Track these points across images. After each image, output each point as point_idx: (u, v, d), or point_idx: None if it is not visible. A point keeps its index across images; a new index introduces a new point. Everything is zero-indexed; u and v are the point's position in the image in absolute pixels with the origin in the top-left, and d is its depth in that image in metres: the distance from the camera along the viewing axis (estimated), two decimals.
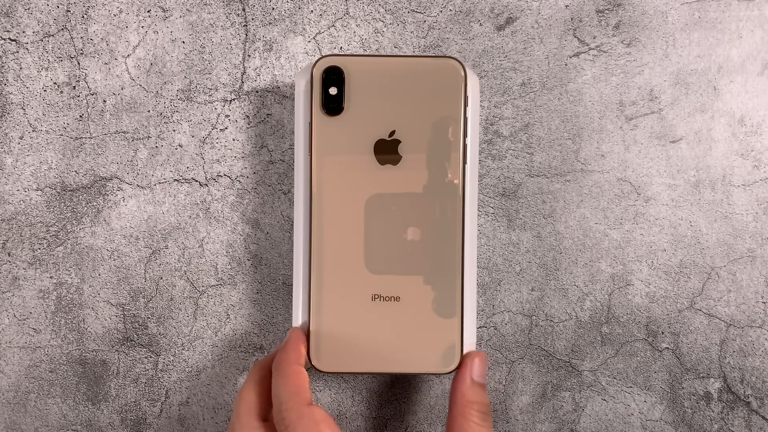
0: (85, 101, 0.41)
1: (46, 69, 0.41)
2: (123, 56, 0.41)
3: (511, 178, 0.42)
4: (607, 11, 0.41)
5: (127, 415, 0.42)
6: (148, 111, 0.41)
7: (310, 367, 0.40)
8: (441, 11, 0.41)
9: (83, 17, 0.41)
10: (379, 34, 0.41)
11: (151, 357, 0.42)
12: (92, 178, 0.42)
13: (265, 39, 0.41)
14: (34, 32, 0.41)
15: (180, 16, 0.41)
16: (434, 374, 0.37)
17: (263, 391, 0.35)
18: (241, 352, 0.42)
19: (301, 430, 0.32)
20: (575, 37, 0.41)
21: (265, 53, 0.41)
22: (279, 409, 0.33)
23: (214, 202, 0.42)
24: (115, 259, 0.42)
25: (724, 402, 0.42)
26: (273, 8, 0.41)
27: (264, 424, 0.34)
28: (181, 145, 0.41)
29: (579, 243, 0.42)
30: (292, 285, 0.42)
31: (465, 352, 0.36)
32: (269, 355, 0.37)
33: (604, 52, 0.41)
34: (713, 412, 0.42)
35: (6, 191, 0.42)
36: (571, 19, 0.41)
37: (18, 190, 0.42)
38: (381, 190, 0.36)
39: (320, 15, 0.41)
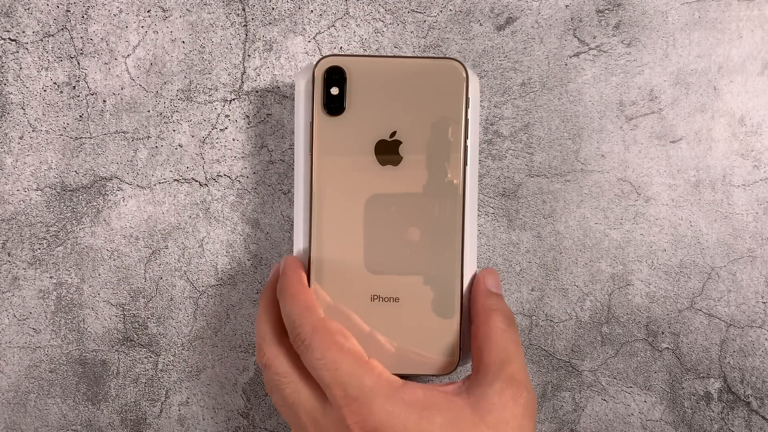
0: (85, 101, 0.41)
1: (46, 69, 0.41)
2: (123, 56, 0.41)
3: (511, 178, 0.42)
4: (607, 11, 0.41)
5: (127, 415, 0.42)
6: (148, 111, 0.41)
7: None
8: (441, 11, 0.41)
9: (83, 17, 0.41)
10: (379, 34, 0.41)
11: (151, 357, 0.42)
12: (92, 178, 0.42)
13: (265, 39, 0.41)
14: (34, 32, 0.41)
15: (180, 16, 0.41)
16: (434, 375, 0.37)
17: (276, 316, 0.35)
18: (241, 352, 0.42)
19: (317, 342, 0.32)
20: (575, 37, 0.41)
21: (265, 53, 0.41)
22: (293, 328, 0.33)
23: (214, 202, 0.42)
24: (115, 259, 0.42)
25: (724, 402, 0.42)
26: (273, 8, 0.41)
27: (284, 347, 0.34)
28: (181, 145, 0.41)
29: (579, 243, 0.42)
30: None
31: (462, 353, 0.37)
32: (270, 281, 0.37)
33: (604, 52, 0.41)
34: (713, 412, 0.42)
35: (6, 191, 0.41)
36: (571, 19, 0.41)
37: (18, 190, 0.41)
38: (382, 190, 0.36)
39: (320, 15, 0.41)
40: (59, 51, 0.41)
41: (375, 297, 0.36)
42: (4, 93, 0.41)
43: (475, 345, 0.34)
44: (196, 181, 0.42)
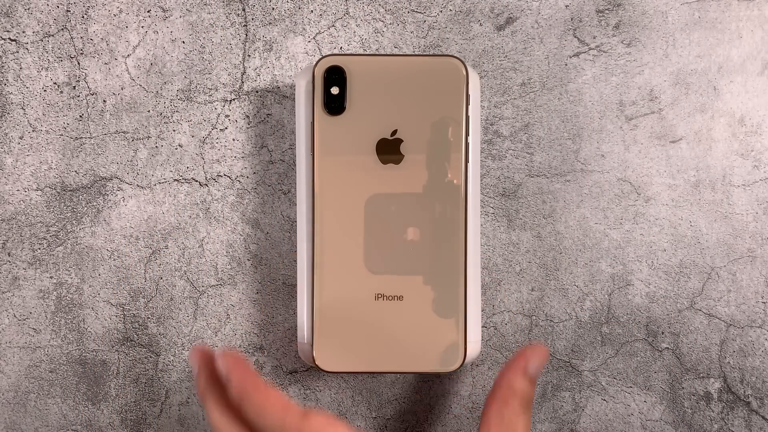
0: (85, 101, 0.41)
1: (46, 69, 0.41)
2: (123, 56, 0.41)
3: (511, 178, 0.42)
4: (607, 11, 0.41)
5: (127, 415, 0.42)
6: (148, 111, 0.41)
7: (313, 367, 0.40)
8: (441, 11, 0.41)
9: (83, 17, 0.41)
10: (379, 34, 0.41)
11: (151, 357, 0.42)
12: (92, 178, 0.42)
13: (265, 39, 0.41)
14: (34, 32, 0.41)
15: (180, 16, 0.41)
16: (436, 374, 0.37)
17: (228, 412, 0.32)
18: (241, 352, 0.42)
19: None
20: (575, 37, 0.41)
21: (265, 53, 0.41)
22: None
23: (214, 202, 0.42)
24: (115, 259, 0.42)
25: (724, 402, 0.42)
26: (273, 8, 0.41)
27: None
28: (181, 145, 0.41)
29: (579, 243, 0.42)
30: (292, 285, 0.42)
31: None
32: (199, 374, 0.32)
33: (604, 52, 0.41)
34: (713, 412, 0.42)
35: (6, 191, 0.41)
36: (571, 19, 0.41)
37: (18, 190, 0.41)
38: (384, 189, 0.36)
39: (320, 15, 0.41)
40: (59, 51, 0.41)
41: (379, 296, 0.36)
42: (4, 93, 0.41)
43: (486, 418, 0.34)
44: (196, 181, 0.42)
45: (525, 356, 0.35)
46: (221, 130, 0.41)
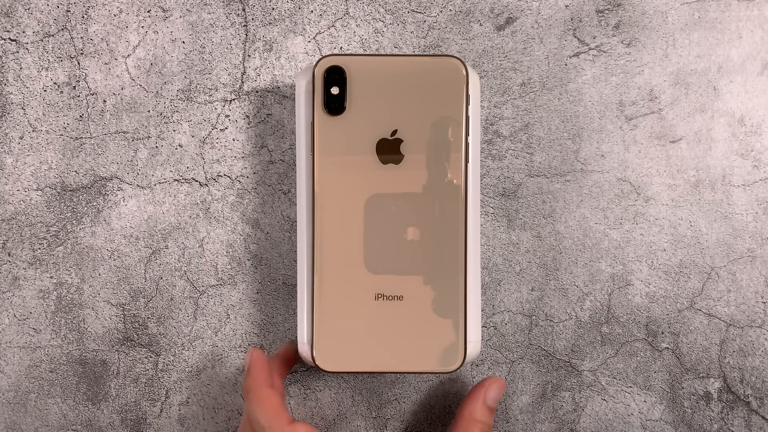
0: (85, 101, 0.41)
1: (46, 69, 0.41)
2: (123, 56, 0.41)
3: (511, 178, 0.42)
4: (607, 11, 0.41)
5: (127, 415, 0.42)
6: (148, 111, 0.41)
7: (313, 367, 0.40)
8: (441, 11, 0.41)
9: (83, 17, 0.41)
10: (379, 34, 0.41)
11: (151, 357, 0.42)
12: (92, 178, 0.42)
13: (265, 39, 0.41)
14: (34, 32, 0.41)
15: (180, 16, 0.41)
16: (436, 374, 0.37)
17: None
18: (241, 352, 0.42)
19: None
20: (575, 37, 0.41)
21: (265, 53, 0.41)
22: None
23: (214, 202, 0.42)
24: (115, 259, 0.42)
25: (724, 402, 0.42)
26: (273, 8, 0.41)
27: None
28: (181, 145, 0.41)
29: (579, 243, 0.42)
30: (292, 285, 0.42)
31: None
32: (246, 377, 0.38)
33: (604, 52, 0.41)
34: (713, 412, 0.42)
35: (6, 191, 0.41)
36: (571, 19, 0.41)
37: (18, 190, 0.41)
38: (384, 189, 0.36)
39: (320, 15, 0.41)
40: (59, 51, 0.41)
41: (379, 296, 0.36)
42: (4, 93, 0.41)
43: None
44: (196, 181, 0.42)
45: (484, 387, 0.38)
46: (221, 130, 0.41)
